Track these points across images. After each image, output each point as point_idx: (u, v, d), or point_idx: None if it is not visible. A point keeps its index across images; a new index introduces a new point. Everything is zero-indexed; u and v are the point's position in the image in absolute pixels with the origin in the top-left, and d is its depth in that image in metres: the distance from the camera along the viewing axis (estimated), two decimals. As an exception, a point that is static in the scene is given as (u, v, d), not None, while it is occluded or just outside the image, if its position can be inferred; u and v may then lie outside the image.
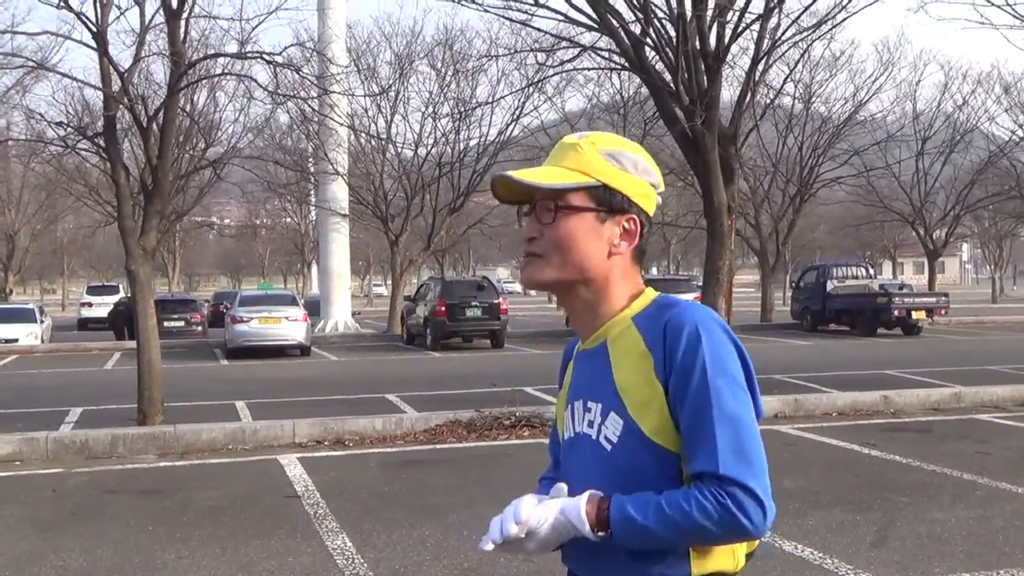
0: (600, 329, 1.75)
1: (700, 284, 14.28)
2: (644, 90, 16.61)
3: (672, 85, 12.22)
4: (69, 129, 13.62)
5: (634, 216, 1.74)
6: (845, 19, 15.62)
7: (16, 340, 25.82)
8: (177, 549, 6.05)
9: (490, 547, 1.62)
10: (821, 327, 28.29)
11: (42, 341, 27.28)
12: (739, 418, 1.59)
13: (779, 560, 5.52)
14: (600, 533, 1.58)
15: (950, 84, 35.46)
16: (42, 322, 28.41)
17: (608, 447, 1.67)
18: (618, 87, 30.11)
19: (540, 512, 1.61)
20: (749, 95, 14.21)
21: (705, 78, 12.12)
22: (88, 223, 40.43)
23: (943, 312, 26.99)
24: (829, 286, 28.38)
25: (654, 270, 61.46)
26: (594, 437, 1.70)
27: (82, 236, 48.18)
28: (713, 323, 1.64)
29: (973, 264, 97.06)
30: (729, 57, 13.00)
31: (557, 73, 18.92)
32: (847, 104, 32.62)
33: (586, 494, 1.62)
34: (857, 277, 29.70)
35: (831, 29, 15.93)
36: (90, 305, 39.23)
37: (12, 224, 42.21)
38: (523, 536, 1.60)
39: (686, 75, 12.04)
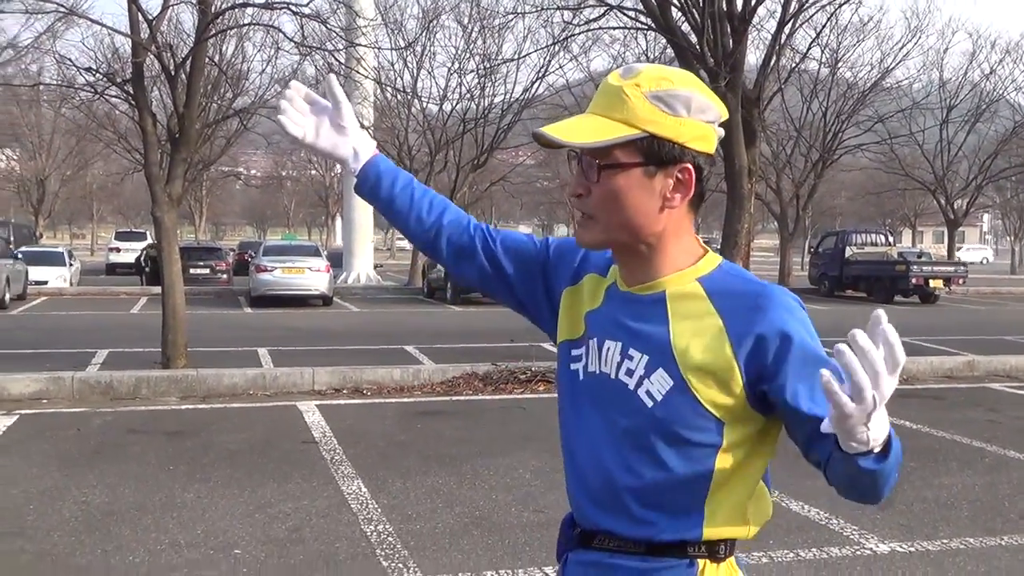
0: (655, 280, 1.61)
1: (718, 247, 14.21)
2: (669, 51, 16.41)
3: (697, 46, 12.07)
4: (98, 75, 13.61)
5: (688, 165, 1.55)
6: (874, -16, 15.29)
7: (46, 283, 26.05)
8: (196, 489, 6.13)
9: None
10: (838, 293, 28.19)
11: (71, 284, 27.55)
12: None
13: (786, 519, 5.54)
14: (877, 451, 1.38)
15: (978, 53, 34.93)
16: (71, 266, 28.67)
17: (649, 402, 1.56)
18: (644, 48, 29.67)
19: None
20: (774, 58, 14.04)
21: (730, 40, 11.97)
22: (117, 170, 40.53)
23: (961, 282, 26.79)
24: (848, 252, 28.24)
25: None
26: (631, 388, 1.59)
27: (111, 182, 48.37)
28: (794, 300, 1.59)
29: (993, 235, 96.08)
30: (755, 20, 12.81)
31: (583, 32, 18.57)
32: (873, 70, 32.06)
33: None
34: (876, 244, 29.53)
35: (860, -7, 15.66)
36: (118, 250, 39.58)
37: (42, 169, 42.53)
38: (892, 372, 1.30)
39: (711, 37, 11.89)
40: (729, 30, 11.98)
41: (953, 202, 35.55)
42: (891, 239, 32.80)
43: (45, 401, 9.22)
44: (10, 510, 5.65)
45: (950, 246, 36.37)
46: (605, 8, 13.81)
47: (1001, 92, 34.89)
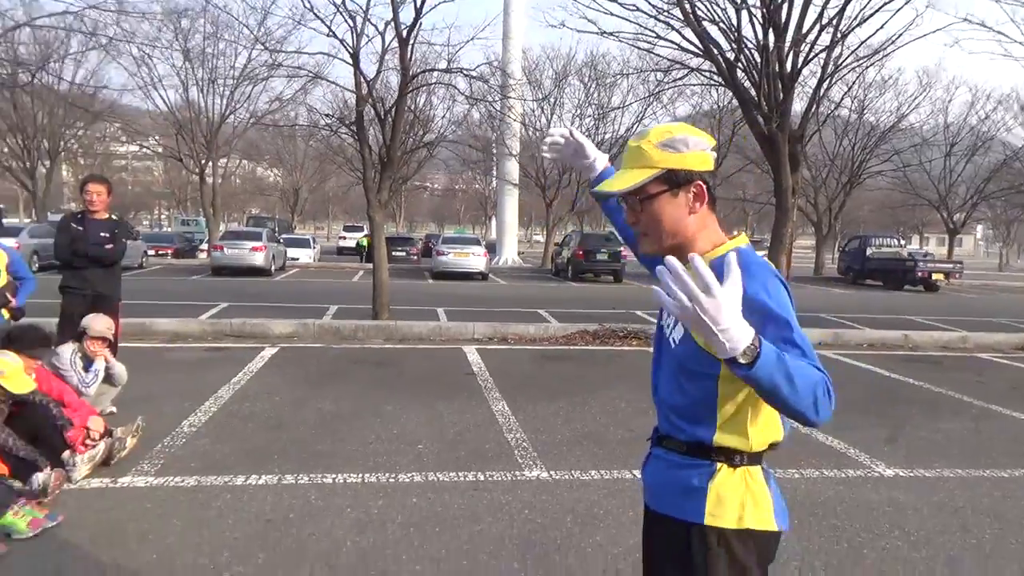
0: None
1: (768, 246, 13.69)
2: (735, 101, 15.79)
3: (756, 98, 11.57)
4: (334, 119, 14.07)
5: (698, 181, 1.63)
6: (894, 51, 14.27)
7: (298, 259, 27.26)
8: (393, 403, 6.28)
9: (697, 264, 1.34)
10: (859, 282, 26.73)
11: (314, 260, 28.71)
12: (804, 336, 1.50)
13: (814, 446, 5.31)
14: (742, 361, 1.35)
15: (976, 103, 32.53)
16: (314, 248, 29.87)
17: (673, 345, 1.67)
18: (716, 99, 28.82)
19: (731, 294, 1.36)
20: (814, 107, 13.29)
21: (781, 93, 11.43)
22: (344, 183, 41.99)
23: (957, 276, 25.05)
24: (868, 251, 26.84)
25: (735, 234, 59.14)
26: (667, 335, 1.70)
27: (341, 191, 50.16)
28: (763, 269, 1.57)
29: (985, 241, 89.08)
30: (800, 78, 12.12)
31: (671, 87, 18.17)
32: (892, 116, 30.28)
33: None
34: (891, 246, 27.94)
35: (882, 58, 14.59)
36: (344, 238, 41.00)
37: (296, 182, 44.51)
38: (706, 294, 1.33)
39: (767, 91, 11.38)
40: (780, 86, 11.42)
41: (953, 215, 33.25)
42: (903, 242, 30.99)
43: (296, 338, 9.57)
44: (273, 411, 5.91)
45: (950, 249, 34.03)
46: (688, 71, 13.40)
47: (993, 133, 32.43)
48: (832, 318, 13.72)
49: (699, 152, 1.64)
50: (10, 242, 9.32)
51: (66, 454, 4.19)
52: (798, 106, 14.40)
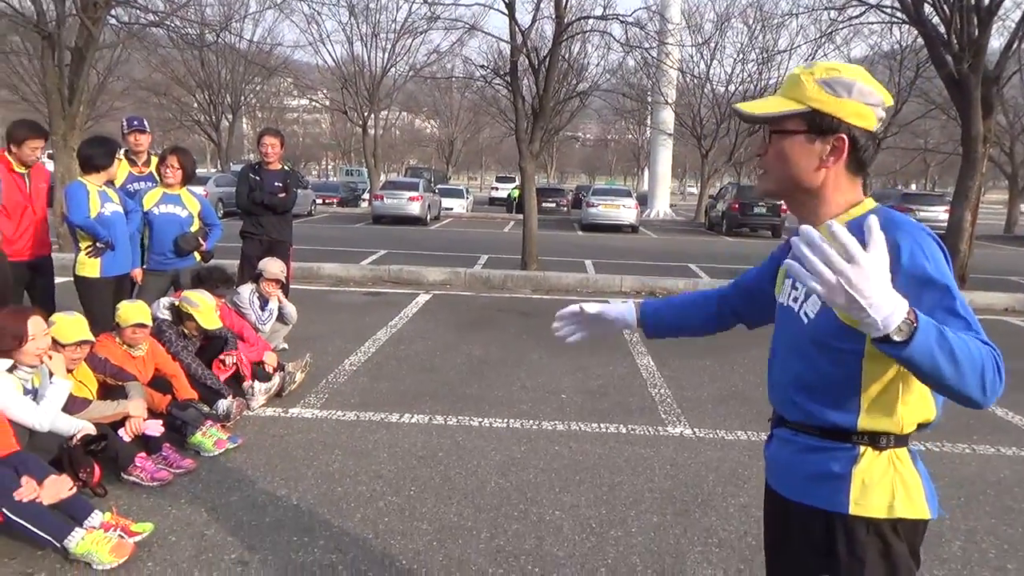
0: (818, 225, 1.47)
1: (950, 200, 12.41)
2: (919, 40, 14.26)
3: (945, 35, 10.40)
4: (488, 70, 14.21)
5: (843, 135, 1.42)
6: None
7: (451, 209, 28.08)
8: (539, 353, 6.40)
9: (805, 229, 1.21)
10: (1060, 241, 23.75)
11: (467, 211, 29.45)
12: (968, 306, 1.32)
13: (990, 421, 4.86)
14: (896, 339, 1.18)
15: None
16: (467, 198, 30.61)
17: (805, 320, 1.47)
18: (897, 38, 26.16)
19: (872, 262, 1.18)
20: (1016, 43, 11.75)
21: (976, 29, 10.18)
22: (498, 134, 42.43)
23: None
24: (1074, 207, 23.68)
25: (912, 186, 54.28)
26: (796, 311, 1.51)
27: (494, 142, 50.78)
28: (916, 227, 1.38)
29: None
30: (1000, 11, 10.72)
31: (846, 26, 16.64)
32: (1117, 50, 26.07)
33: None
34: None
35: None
36: (496, 189, 41.69)
37: (451, 133, 45.57)
38: (850, 263, 1.17)
39: (958, 27, 10.18)
40: (975, 21, 10.18)
41: None
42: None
43: (448, 286, 9.92)
44: (425, 354, 6.21)
45: None
46: (866, 7, 12.24)
47: None
48: (1023, 281, 12.34)
49: (860, 104, 1.43)
50: (199, 191, 10.25)
51: (245, 384, 4.64)
52: (996, 43, 12.82)
